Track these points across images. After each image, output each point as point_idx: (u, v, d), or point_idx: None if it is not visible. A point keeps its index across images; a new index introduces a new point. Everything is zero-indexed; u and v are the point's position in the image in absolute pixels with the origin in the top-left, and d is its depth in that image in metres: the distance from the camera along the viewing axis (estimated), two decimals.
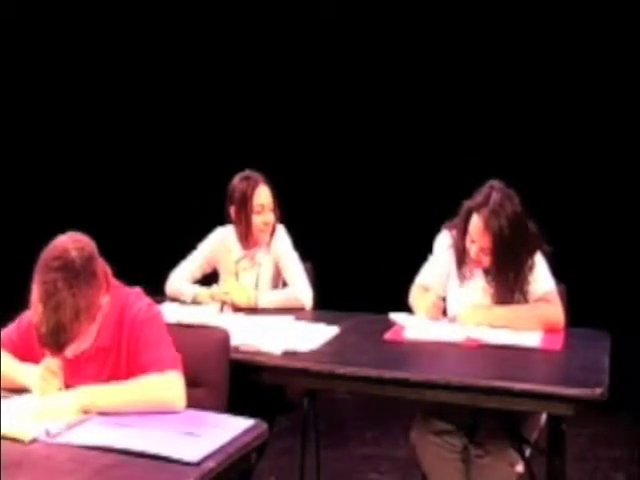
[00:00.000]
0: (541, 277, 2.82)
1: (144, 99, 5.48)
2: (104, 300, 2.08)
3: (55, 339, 1.97)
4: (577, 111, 4.63)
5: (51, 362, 2.09)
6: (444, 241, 2.97)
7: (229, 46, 5.38)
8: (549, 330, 2.75)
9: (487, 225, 2.71)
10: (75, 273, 1.98)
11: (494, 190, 2.76)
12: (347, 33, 5.12)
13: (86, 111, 5.53)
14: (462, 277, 2.92)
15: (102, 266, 2.10)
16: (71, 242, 2.04)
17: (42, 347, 2.03)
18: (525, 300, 2.83)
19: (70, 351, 2.03)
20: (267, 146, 5.08)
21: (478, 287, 2.89)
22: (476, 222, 2.75)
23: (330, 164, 5.19)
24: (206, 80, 5.43)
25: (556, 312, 2.79)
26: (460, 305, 2.90)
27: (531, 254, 2.80)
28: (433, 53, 4.92)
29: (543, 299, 2.81)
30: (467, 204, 2.81)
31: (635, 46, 4.49)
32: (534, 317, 2.78)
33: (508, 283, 2.79)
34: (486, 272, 2.86)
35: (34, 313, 1.98)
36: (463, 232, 2.82)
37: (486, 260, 2.79)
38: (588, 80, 4.59)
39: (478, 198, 2.77)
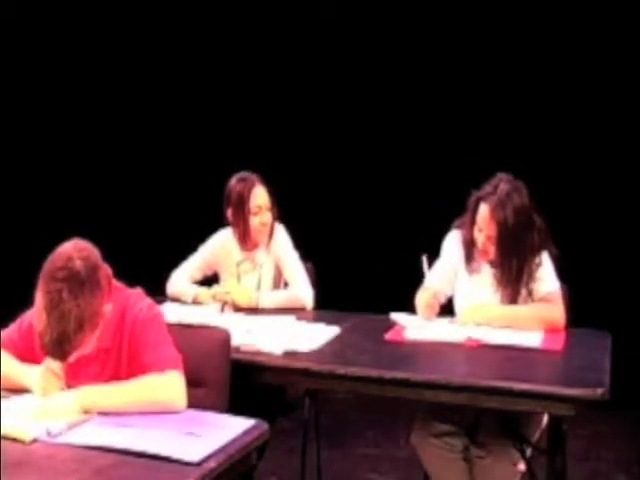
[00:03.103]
0: (546, 277, 2.83)
1: (144, 101, 5.47)
2: (107, 308, 2.07)
3: (58, 349, 1.97)
4: (578, 114, 4.63)
5: (52, 363, 2.08)
6: (453, 239, 2.98)
7: (228, 47, 5.38)
8: (550, 330, 2.75)
9: (493, 213, 2.74)
10: (80, 283, 1.97)
11: (502, 181, 2.80)
12: (347, 33, 5.12)
13: (86, 111, 5.53)
14: (470, 270, 2.93)
15: (106, 274, 2.09)
16: (76, 251, 2.02)
17: (44, 355, 2.03)
18: (531, 299, 2.84)
19: (72, 357, 2.03)
20: (268, 146, 5.08)
21: (486, 283, 2.89)
22: (483, 210, 2.78)
23: (330, 164, 5.19)
24: (205, 81, 5.43)
25: (557, 312, 2.80)
26: (467, 301, 2.90)
27: (538, 250, 2.81)
28: (434, 52, 4.91)
29: (545, 299, 2.82)
30: (476, 194, 2.85)
31: (637, 44, 4.49)
32: (534, 317, 2.79)
33: (511, 275, 2.79)
34: (493, 266, 2.87)
35: (38, 322, 1.97)
36: (471, 222, 2.84)
37: (492, 250, 2.81)
38: (595, 86, 4.59)
39: (487, 188, 2.81)
